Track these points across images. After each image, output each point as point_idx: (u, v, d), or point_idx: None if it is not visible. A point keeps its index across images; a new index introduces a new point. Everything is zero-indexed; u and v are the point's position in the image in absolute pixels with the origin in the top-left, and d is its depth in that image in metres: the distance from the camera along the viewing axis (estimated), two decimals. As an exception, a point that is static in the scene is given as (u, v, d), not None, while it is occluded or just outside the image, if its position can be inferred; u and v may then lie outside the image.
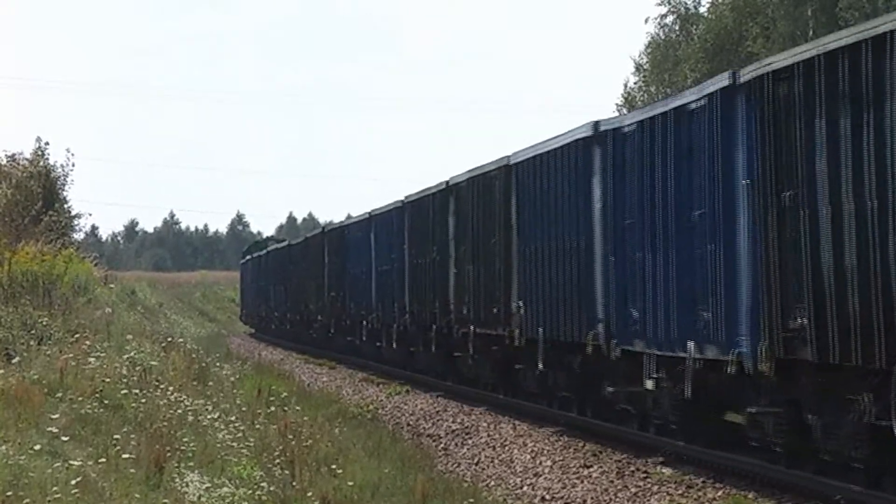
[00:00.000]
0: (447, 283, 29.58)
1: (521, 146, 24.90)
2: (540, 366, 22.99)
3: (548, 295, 22.64)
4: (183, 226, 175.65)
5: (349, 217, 54.23)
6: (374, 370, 37.94)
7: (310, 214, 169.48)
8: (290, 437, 16.00)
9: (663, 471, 17.21)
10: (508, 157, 25.19)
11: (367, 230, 39.40)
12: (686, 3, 53.37)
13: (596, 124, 20.71)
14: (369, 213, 39.37)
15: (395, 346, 35.32)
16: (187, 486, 12.65)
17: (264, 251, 68.25)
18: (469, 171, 28.12)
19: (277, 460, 14.65)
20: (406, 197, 34.36)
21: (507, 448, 20.65)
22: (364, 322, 39.36)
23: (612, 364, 20.39)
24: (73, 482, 11.34)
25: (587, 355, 21.06)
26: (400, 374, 35.12)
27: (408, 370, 34.91)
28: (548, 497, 16.53)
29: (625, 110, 51.13)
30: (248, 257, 78.37)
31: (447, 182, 29.93)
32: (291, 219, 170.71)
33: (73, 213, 44.67)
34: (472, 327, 27.26)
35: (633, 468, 17.63)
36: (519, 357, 24.74)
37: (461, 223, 28.78)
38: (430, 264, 31.15)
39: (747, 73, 15.48)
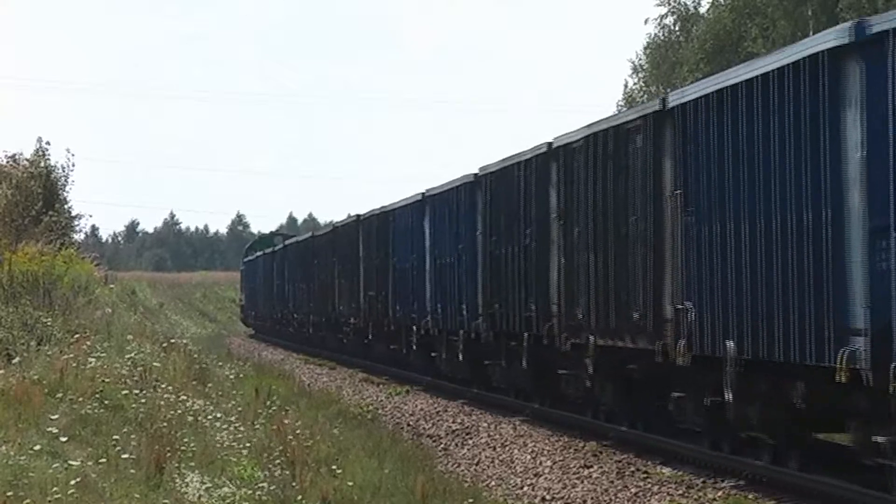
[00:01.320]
0: (547, 278, 22.81)
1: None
2: (728, 397, 16.05)
3: (748, 295, 15.59)
4: (183, 226, 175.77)
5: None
6: (431, 388, 31.16)
7: (310, 214, 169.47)
8: (290, 437, 16.00)
9: (663, 471, 17.21)
10: (664, 98, 18.61)
11: (420, 215, 32.56)
12: (685, 4, 53.40)
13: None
14: (422, 193, 32.38)
15: (460, 357, 28.25)
16: (187, 486, 12.65)
17: (280, 245, 60.79)
18: (585, 126, 21.15)
19: (277, 460, 14.65)
20: (480, 169, 27.29)
21: (507, 448, 20.65)
22: (414, 328, 32.58)
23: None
24: (73, 482, 11.34)
25: (830, 386, 13.98)
26: (464, 392, 28.62)
27: (477, 388, 28.23)
28: (548, 497, 16.53)
29: (625, 110, 51.11)
30: (255, 254, 70.92)
31: (549, 144, 22.83)
32: (291, 219, 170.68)
33: (73, 213, 44.70)
34: (590, 337, 20.42)
35: (633, 468, 17.63)
36: (680, 380, 17.96)
37: (571, 197, 21.47)
38: (518, 254, 24.22)
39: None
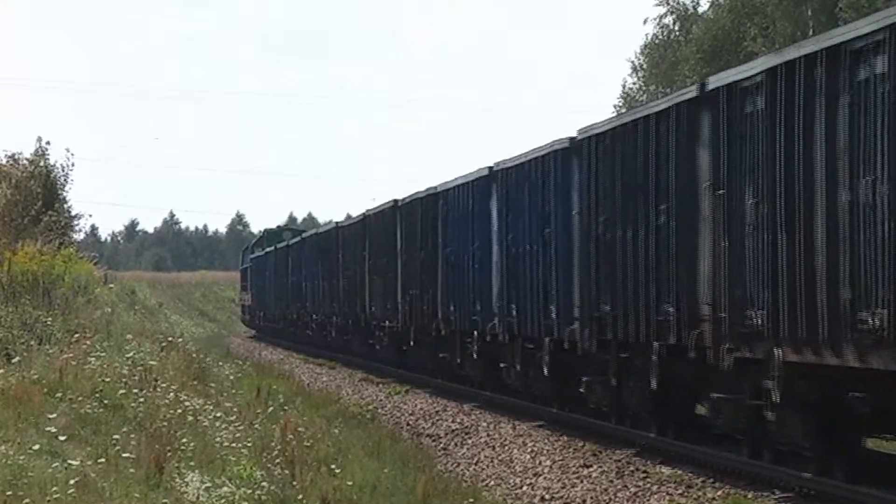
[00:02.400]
0: (694, 269, 17.14)
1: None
2: None
3: None
4: (183, 226, 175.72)
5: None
6: (491, 406, 25.88)
7: (309, 214, 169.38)
8: (290, 436, 16.00)
9: (663, 471, 17.20)
10: None
11: (484, 194, 26.45)
12: (684, 4, 53.40)
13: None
14: (489, 167, 26.27)
15: (544, 371, 22.67)
16: (187, 485, 12.65)
17: (296, 239, 55.39)
18: (769, 55, 15.88)
19: (277, 460, 14.65)
20: (579, 132, 21.11)
21: (506, 448, 20.65)
22: (475, 333, 26.57)
23: None
24: (73, 482, 11.34)
25: None
26: (541, 412, 23.25)
27: (560, 407, 22.94)
28: (547, 497, 16.53)
29: (624, 110, 51.16)
30: (264, 250, 65.27)
31: (701, 85, 17.17)
32: (291, 219, 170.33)
33: (73, 213, 44.67)
34: (776, 351, 14.73)
35: (632, 468, 17.62)
36: None
37: (740, 157, 15.69)
38: (644, 238, 18.47)
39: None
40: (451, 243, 28.99)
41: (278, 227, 73.10)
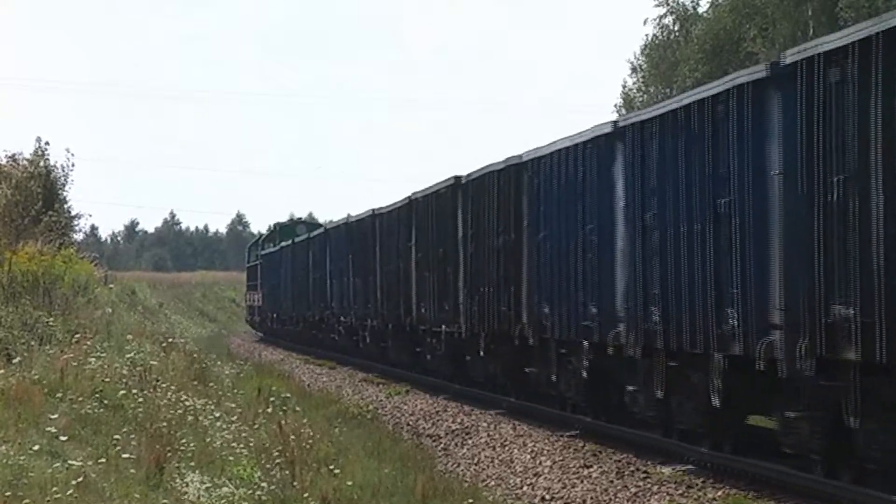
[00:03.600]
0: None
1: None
2: None
3: None
4: (183, 226, 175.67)
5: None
6: (596, 433, 20.65)
7: (309, 214, 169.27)
8: (290, 437, 16.01)
9: (663, 471, 17.21)
10: None
11: (605, 158, 19.86)
12: (684, 4, 53.41)
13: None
14: (612, 122, 19.93)
15: (714, 401, 16.51)
16: (187, 486, 12.66)
17: (319, 230, 49.32)
18: None
19: (277, 460, 14.66)
20: (788, 53, 14.71)
21: (506, 448, 20.65)
22: (585, 343, 20.37)
23: None
24: (73, 482, 11.34)
25: None
26: (687, 452, 17.67)
27: (711, 447, 17.27)
28: (548, 497, 16.54)
29: (623, 111, 51.20)
30: (278, 245, 59.40)
31: None
32: (292, 218, 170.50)
33: (73, 213, 44.72)
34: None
35: (632, 468, 17.63)
36: None
37: None
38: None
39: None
40: (547, 226, 22.34)
41: (291, 220, 68.95)
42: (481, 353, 26.28)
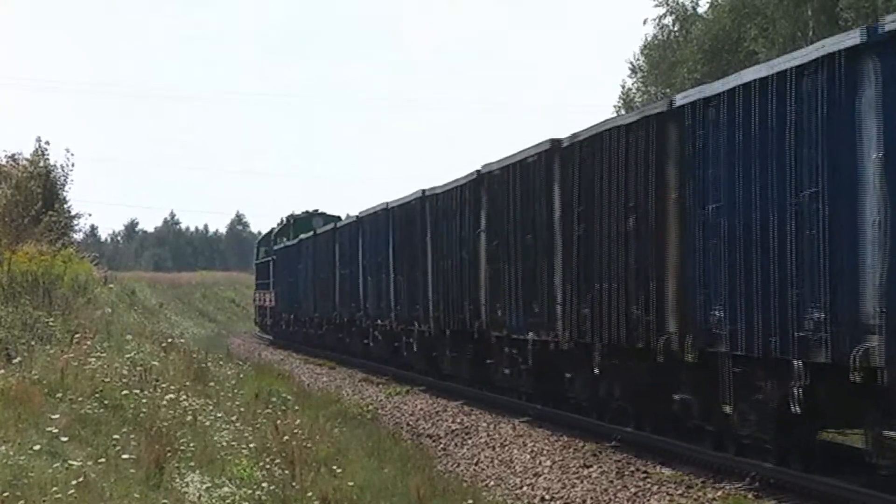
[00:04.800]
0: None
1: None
2: None
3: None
4: (183, 226, 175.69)
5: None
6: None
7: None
8: (290, 437, 16.01)
9: (663, 471, 17.21)
10: None
11: (850, 86, 13.52)
12: (684, 4, 53.43)
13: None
14: (867, 29, 13.48)
15: None
16: (187, 486, 12.66)
17: (350, 219, 42.78)
18: None
19: (277, 460, 14.66)
20: None
21: (506, 448, 20.65)
22: (798, 364, 14.33)
23: None
24: (73, 482, 11.34)
25: None
26: None
27: None
28: (547, 497, 16.54)
29: (623, 111, 51.20)
30: (296, 238, 53.46)
31: None
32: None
33: (73, 213, 44.71)
34: None
35: (632, 468, 17.63)
36: None
37: None
38: None
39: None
40: (721, 194, 16.19)
41: (306, 211, 60.03)
42: (596, 371, 20.15)
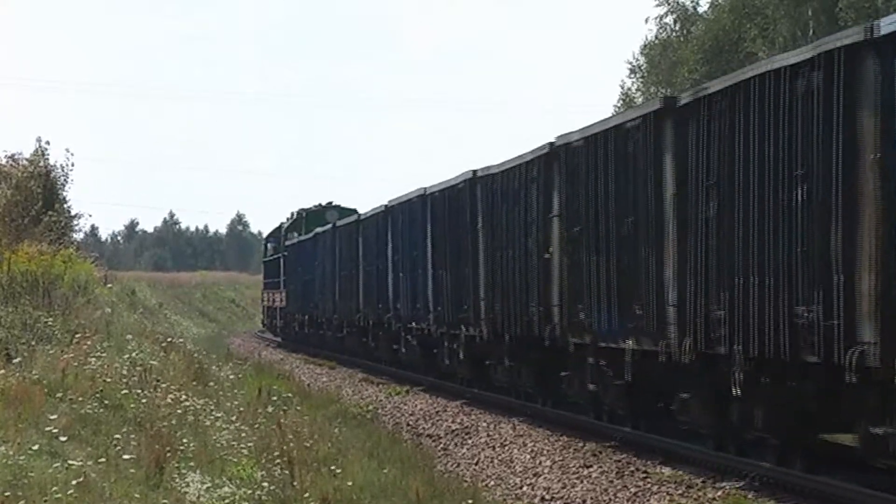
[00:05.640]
0: None
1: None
2: None
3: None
4: (183, 226, 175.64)
5: None
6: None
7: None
8: (290, 437, 16.02)
9: (663, 471, 17.20)
10: None
11: None
12: (684, 4, 53.44)
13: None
14: None
15: None
16: (187, 486, 12.67)
17: (377, 209, 36.36)
18: None
19: (277, 460, 14.67)
20: None
21: (506, 448, 20.65)
22: None
23: None
24: (73, 482, 11.34)
25: None
26: None
27: None
28: (547, 497, 16.53)
29: (623, 111, 51.21)
30: (305, 234, 50.61)
31: None
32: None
33: (73, 213, 44.71)
34: None
35: (632, 468, 17.63)
36: None
37: None
38: None
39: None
40: None
41: (318, 204, 55.46)
42: (737, 392, 15.67)
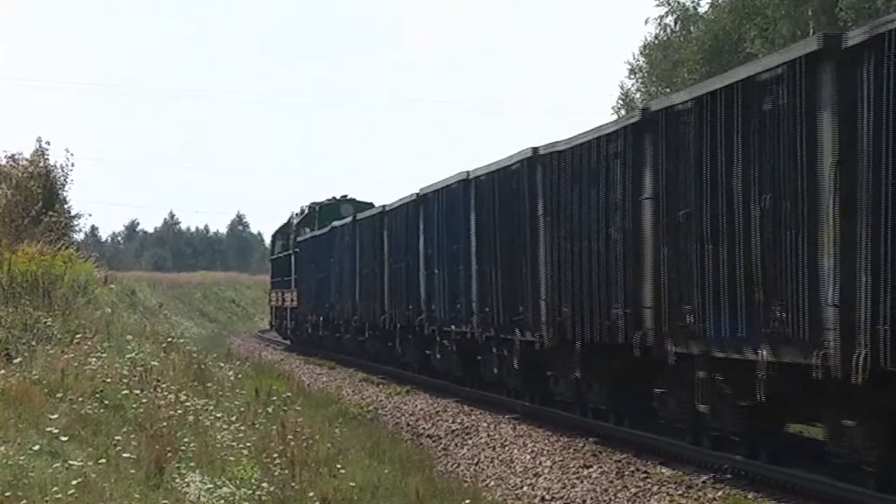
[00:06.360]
0: None
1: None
2: None
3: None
4: (183, 226, 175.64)
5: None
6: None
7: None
8: (290, 437, 16.02)
9: (663, 471, 17.21)
10: None
11: None
12: (684, 4, 53.46)
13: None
14: None
15: None
16: (187, 486, 12.67)
17: (405, 198, 32.26)
18: None
19: (277, 460, 14.67)
20: None
21: (506, 448, 20.65)
22: None
23: None
24: (73, 482, 11.34)
25: None
26: None
27: None
28: (547, 497, 16.54)
29: (623, 111, 51.24)
30: (319, 229, 47.07)
31: None
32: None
33: (73, 213, 44.72)
34: None
35: (632, 468, 17.63)
36: None
37: None
38: None
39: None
40: None
41: (332, 198, 51.73)
42: None
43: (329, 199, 51.85)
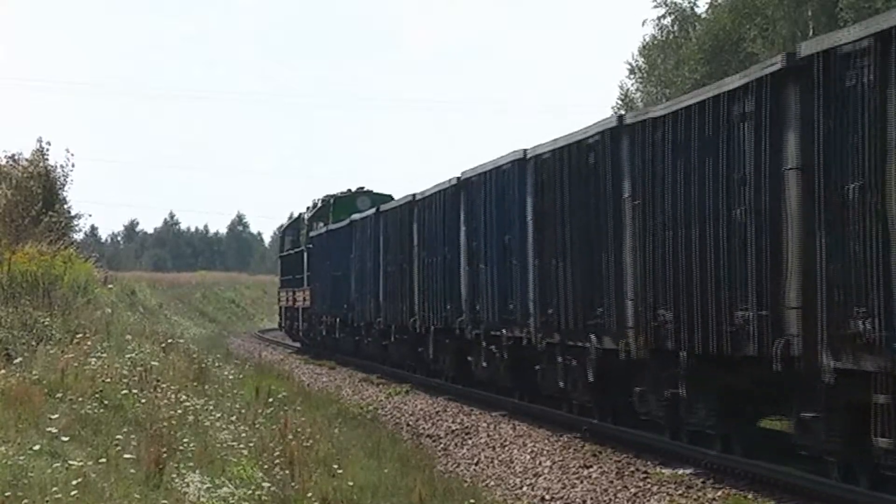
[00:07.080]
0: None
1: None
2: None
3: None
4: (183, 226, 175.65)
5: None
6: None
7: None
8: (290, 437, 16.02)
9: (663, 471, 17.21)
10: None
11: None
12: (682, 5, 53.50)
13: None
14: None
15: None
16: (187, 486, 12.67)
17: (442, 185, 28.48)
18: None
19: (277, 460, 14.67)
20: None
21: (506, 448, 20.65)
22: None
23: None
24: (73, 482, 11.34)
25: None
26: None
27: None
28: (547, 497, 16.53)
29: (623, 111, 51.26)
30: (335, 223, 43.62)
31: None
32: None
33: (73, 213, 44.70)
34: None
35: (632, 468, 17.63)
36: None
37: None
38: None
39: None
40: None
41: (348, 190, 48.03)
42: None
43: (344, 192, 48.21)
